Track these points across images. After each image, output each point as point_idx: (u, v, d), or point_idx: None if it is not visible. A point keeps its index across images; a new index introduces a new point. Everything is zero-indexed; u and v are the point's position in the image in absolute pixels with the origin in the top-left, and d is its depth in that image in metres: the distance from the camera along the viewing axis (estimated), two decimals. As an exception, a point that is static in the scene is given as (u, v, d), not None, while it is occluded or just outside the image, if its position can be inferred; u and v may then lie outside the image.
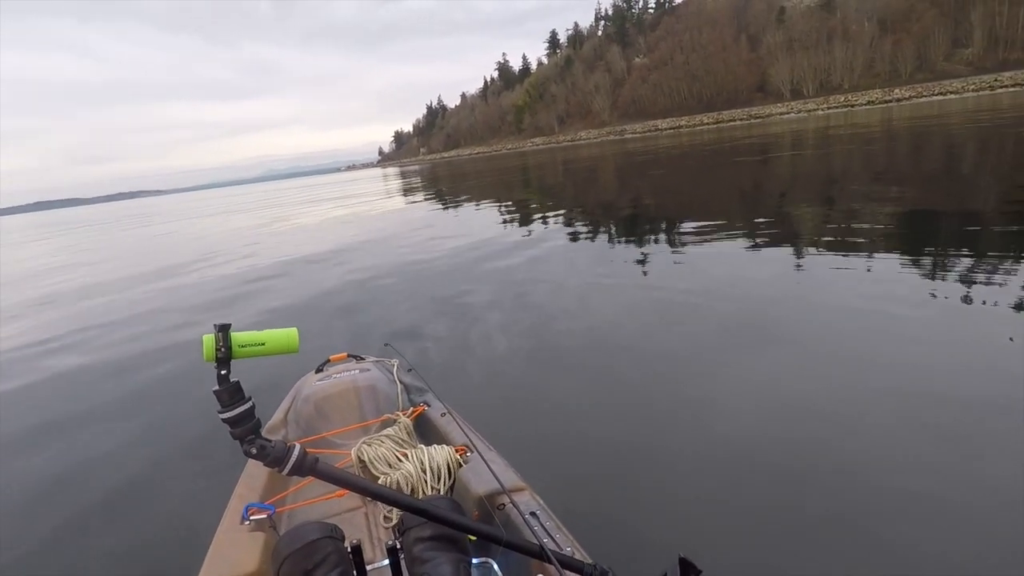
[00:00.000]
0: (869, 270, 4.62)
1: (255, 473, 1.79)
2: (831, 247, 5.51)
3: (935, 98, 47.69)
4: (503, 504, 1.45)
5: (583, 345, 3.84)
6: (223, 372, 0.73)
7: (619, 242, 7.16)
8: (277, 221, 18.32)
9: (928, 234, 5.72)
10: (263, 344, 0.75)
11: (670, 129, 68.46)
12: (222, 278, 8.35)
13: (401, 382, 2.36)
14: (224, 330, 0.72)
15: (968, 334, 3.22)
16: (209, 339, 0.72)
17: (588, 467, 2.44)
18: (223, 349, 0.72)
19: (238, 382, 0.74)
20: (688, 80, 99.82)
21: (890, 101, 52.63)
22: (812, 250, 5.44)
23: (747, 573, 1.76)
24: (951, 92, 49.89)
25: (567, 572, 0.92)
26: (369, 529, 1.68)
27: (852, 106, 55.16)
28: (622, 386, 3.17)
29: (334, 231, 12.94)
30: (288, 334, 0.78)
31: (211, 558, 1.39)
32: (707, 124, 64.88)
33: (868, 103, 54.73)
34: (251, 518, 1.54)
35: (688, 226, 7.43)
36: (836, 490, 2.08)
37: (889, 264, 4.72)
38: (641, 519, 2.05)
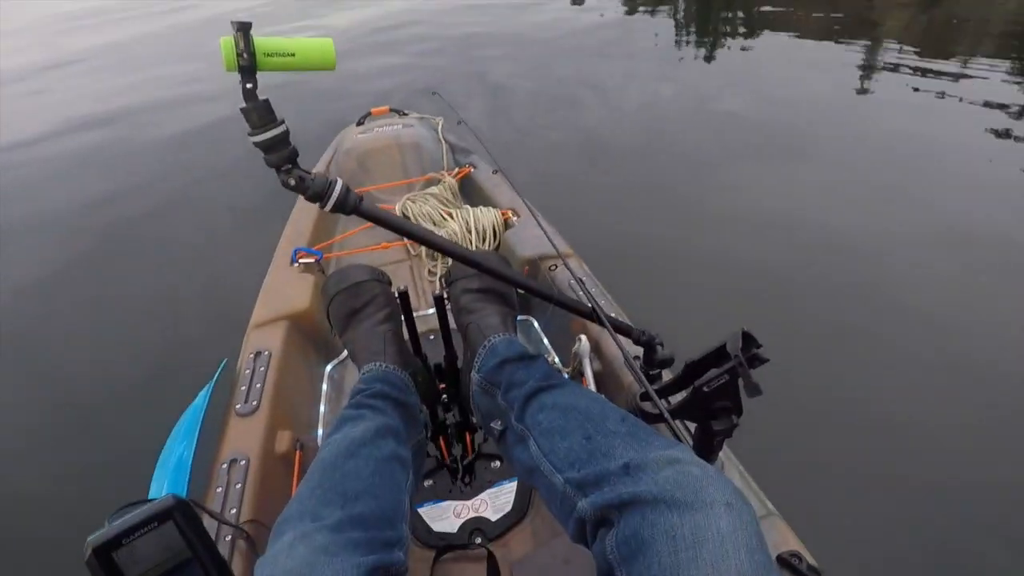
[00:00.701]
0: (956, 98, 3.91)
1: (301, 219, 1.80)
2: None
3: None
4: (552, 267, 1.43)
5: (628, 135, 3.58)
6: (248, 86, 0.62)
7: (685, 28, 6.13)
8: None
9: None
10: (293, 55, 0.62)
11: None
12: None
13: (446, 141, 2.24)
14: (244, 29, 0.58)
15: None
16: (228, 42, 0.59)
17: (629, 249, 2.41)
18: (245, 56, 0.60)
19: (267, 100, 0.64)
20: None
21: None
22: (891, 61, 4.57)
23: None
24: None
25: (617, 335, 0.90)
26: (414, 281, 1.72)
27: None
28: (663, 182, 3.02)
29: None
30: (322, 44, 0.64)
31: (265, 294, 1.45)
32: None
33: None
34: (300, 261, 1.58)
35: (767, 8, 6.20)
36: (855, 306, 2.05)
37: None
38: (678, 304, 2.08)
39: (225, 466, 0.99)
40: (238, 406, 1.11)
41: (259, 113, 0.63)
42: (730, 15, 6.27)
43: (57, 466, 1.69)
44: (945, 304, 1.99)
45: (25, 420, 1.85)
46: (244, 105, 0.63)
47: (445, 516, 1.09)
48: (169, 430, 1.16)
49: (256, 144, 0.65)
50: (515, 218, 1.72)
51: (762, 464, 1.00)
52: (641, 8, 6.85)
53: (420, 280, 1.72)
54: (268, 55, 0.62)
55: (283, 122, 0.66)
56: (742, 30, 5.62)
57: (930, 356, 1.80)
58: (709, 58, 5.08)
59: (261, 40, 0.61)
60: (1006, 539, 1.34)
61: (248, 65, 0.60)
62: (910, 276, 2.14)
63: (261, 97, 0.63)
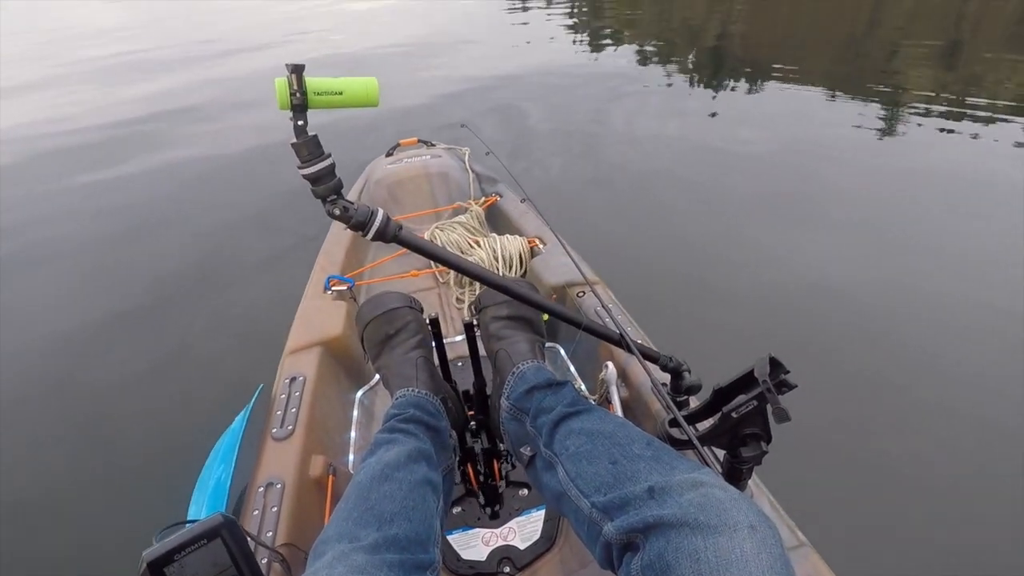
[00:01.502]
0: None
1: (334, 250, 1.85)
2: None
3: None
4: (580, 294, 1.45)
5: (639, 177, 3.61)
6: (300, 123, 0.66)
7: (696, 77, 6.19)
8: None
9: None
10: (340, 93, 0.67)
11: None
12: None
13: (472, 171, 2.30)
14: (298, 72, 0.63)
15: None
16: (282, 83, 0.64)
17: (654, 278, 2.43)
18: (298, 95, 0.64)
19: (316, 136, 0.68)
20: None
21: None
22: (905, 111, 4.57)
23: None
24: None
25: (645, 361, 0.91)
26: (443, 308, 1.75)
27: None
28: (691, 207, 3.07)
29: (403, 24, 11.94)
30: (367, 84, 0.68)
31: (299, 321, 1.49)
32: None
33: None
34: (333, 288, 1.63)
35: (776, 67, 6.22)
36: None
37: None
38: (704, 331, 2.07)
39: (262, 489, 1.02)
40: (274, 430, 1.14)
41: (309, 148, 0.68)
42: (742, 69, 6.35)
43: (98, 488, 1.73)
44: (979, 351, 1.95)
45: (69, 445, 1.91)
46: (295, 140, 0.67)
47: (473, 544, 1.10)
48: (207, 453, 1.19)
49: (305, 176, 0.69)
50: (542, 246, 1.75)
51: (793, 495, 0.99)
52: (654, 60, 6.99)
53: (448, 308, 1.75)
54: (318, 94, 0.66)
55: (330, 156, 0.70)
56: (752, 83, 5.71)
57: (967, 409, 1.75)
58: (725, 105, 5.14)
59: (312, 80, 0.66)
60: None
61: (300, 103, 0.65)
62: (939, 320, 2.11)
63: (310, 133, 0.68)
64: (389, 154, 2.46)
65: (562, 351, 1.48)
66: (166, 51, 9.98)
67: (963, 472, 1.53)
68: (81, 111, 6.14)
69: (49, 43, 12.93)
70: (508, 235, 1.82)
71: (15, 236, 3.35)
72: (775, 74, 5.90)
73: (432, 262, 1.52)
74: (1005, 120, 4.14)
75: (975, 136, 3.86)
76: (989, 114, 4.27)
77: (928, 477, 1.52)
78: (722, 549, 0.49)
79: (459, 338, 1.58)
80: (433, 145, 2.50)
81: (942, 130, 4.00)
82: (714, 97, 5.31)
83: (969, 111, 4.36)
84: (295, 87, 0.63)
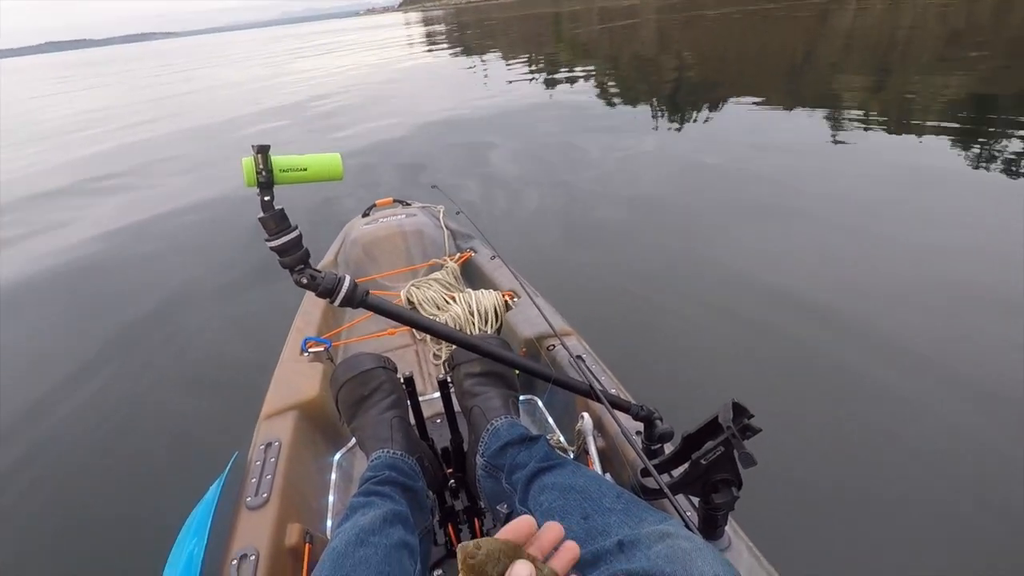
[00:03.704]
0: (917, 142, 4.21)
1: (310, 310, 1.86)
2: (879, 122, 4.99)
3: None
4: (551, 346, 1.47)
5: (613, 207, 3.78)
6: (266, 198, 0.69)
7: (653, 104, 6.63)
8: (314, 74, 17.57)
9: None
10: (305, 169, 0.70)
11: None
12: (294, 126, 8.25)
13: (447, 228, 2.34)
14: (263, 151, 0.66)
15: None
16: (249, 162, 0.67)
17: (624, 321, 2.47)
18: (264, 173, 0.67)
19: (283, 209, 0.71)
20: None
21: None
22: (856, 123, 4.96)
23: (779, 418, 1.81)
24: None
25: (615, 411, 0.93)
26: (420, 365, 1.75)
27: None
28: (651, 247, 3.16)
29: (377, 89, 12.33)
30: (331, 159, 0.72)
31: (276, 384, 1.48)
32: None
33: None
34: (309, 350, 1.63)
35: (732, 96, 6.69)
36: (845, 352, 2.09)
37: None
38: (678, 371, 2.10)
39: (235, 562, 0.99)
40: (248, 499, 1.12)
41: (275, 221, 0.70)
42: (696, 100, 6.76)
43: (67, 562, 1.66)
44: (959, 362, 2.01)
45: (35, 520, 1.84)
46: (262, 215, 0.70)
47: None
48: (181, 523, 1.16)
49: (272, 248, 0.71)
50: (515, 299, 1.77)
51: (772, 538, 0.99)
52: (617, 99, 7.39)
53: (426, 364, 1.76)
54: (283, 171, 0.70)
55: (296, 228, 0.73)
56: (708, 109, 6.11)
57: (949, 427, 1.78)
58: (681, 131, 5.47)
59: (277, 158, 0.69)
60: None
61: (266, 181, 0.68)
62: (911, 334, 2.17)
63: (276, 207, 0.71)
64: (365, 214, 2.50)
65: (539, 402, 1.49)
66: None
67: (953, 506, 1.54)
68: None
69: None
70: (483, 290, 1.84)
71: None
72: (729, 100, 6.25)
73: None
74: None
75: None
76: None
77: (914, 515, 1.53)
78: None
79: (437, 395, 1.58)
80: (408, 204, 2.55)
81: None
82: (677, 125, 5.61)
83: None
84: (260, 166, 0.67)
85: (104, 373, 2.54)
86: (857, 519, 1.50)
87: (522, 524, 0.47)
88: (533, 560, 0.46)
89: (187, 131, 8.59)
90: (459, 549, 0.44)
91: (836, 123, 5.05)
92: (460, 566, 0.44)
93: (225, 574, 0.98)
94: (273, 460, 1.21)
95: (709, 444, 0.79)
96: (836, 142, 4.53)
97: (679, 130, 5.56)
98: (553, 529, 0.49)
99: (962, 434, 1.71)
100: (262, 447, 1.25)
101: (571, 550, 0.49)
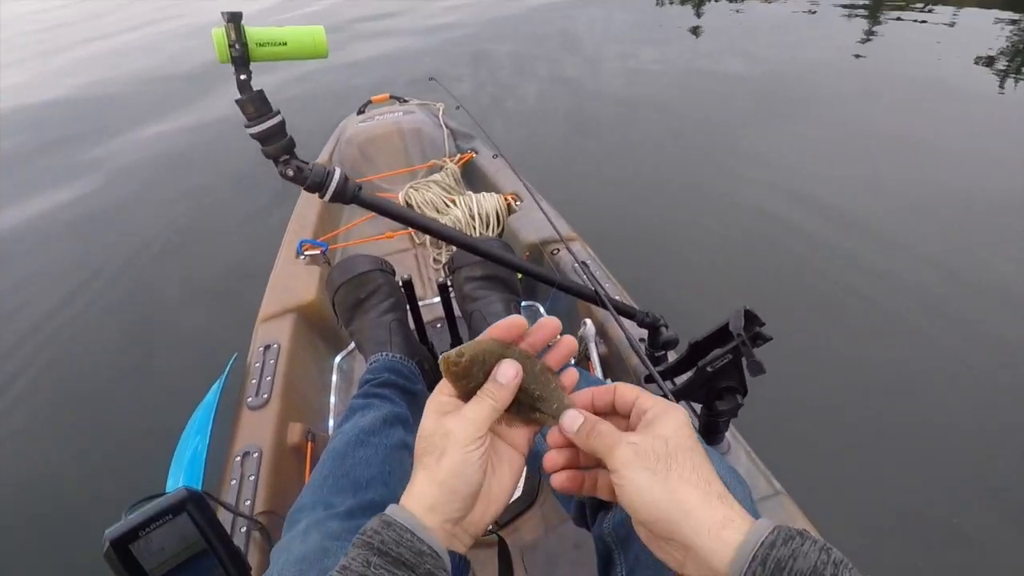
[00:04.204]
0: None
1: (306, 212, 1.80)
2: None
3: None
4: (555, 251, 1.42)
5: (623, 108, 3.57)
6: (242, 77, 0.62)
7: None
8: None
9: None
10: (284, 43, 0.62)
11: None
12: None
13: (447, 127, 2.23)
14: (235, 20, 0.58)
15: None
16: (220, 33, 0.59)
17: (632, 228, 2.41)
18: (238, 47, 0.59)
19: (262, 91, 0.63)
20: None
21: None
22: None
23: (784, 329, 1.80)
24: None
25: (620, 317, 0.90)
26: (420, 270, 1.72)
27: None
28: (665, 154, 3.02)
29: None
30: (313, 32, 0.63)
31: (271, 289, 1.45)
32: None
33: None
34: (305, 253, 1.59)
35: None
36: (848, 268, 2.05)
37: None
38: (684, 282, 2.07)
39: (239, 458, 1.01)
40: (249, 399, 1.12)
41: (254, 104, 0.63)
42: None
43: (75, 464, 1.71)
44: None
45: (42, 420, 1.88)
46: (239, 96, 0.63)
47: None
48: (183, 425, 1.17)
49: (253, 135, 0.65)
50: (518, 203, 1.71)
51: (769, 444, 1.00)
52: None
53: (426, 268, 1.72)
54: (260, 45, 0.61)
55: (279, 112, 0.66)
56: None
57: (946, 334, 1.78)
58: (699, 23, 5.13)
59: (252, 30, 0.61)
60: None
61: (240, 56, 0.60)
62: (920, 241, 2.12)
63: (255, 88, 0.63)
64: (360, 111, 2.37)
65: (541, 308, 1.47)
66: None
67: (942, 416, 1.56)
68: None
69: None
70: (485, 193, 1.77)
71: None
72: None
73: None
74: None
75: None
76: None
77: (902, 426, 1.55)
78: None
79: (437, 300, 1.55)
80: (406, 101, 2.41)
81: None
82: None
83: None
84: (233, 37, 0.59)
85: (101, 282, 2.51)
86: (858, 439, 1.52)
87: (512, 321, 0.44)
88: (525, 356, 0.44)
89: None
90: (441, 360, 0.41)
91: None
92: (444, 375, 0.42)
93: (229, 470, 1.00)
94: (272, 362, 1.20)
95: (717, 351, 0.77)
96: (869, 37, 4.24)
97: (699, 20, 5.19)
98: (547, 325, 0.46)
99: (975, 366, 1.70)
100: (261, 349, 1.24)
101: (567, 344, 0.47)
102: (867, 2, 5.11)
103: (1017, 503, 1.34)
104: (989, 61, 3.64)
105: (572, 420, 0.41)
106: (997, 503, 1.35)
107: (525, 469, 1.13)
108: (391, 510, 0.39)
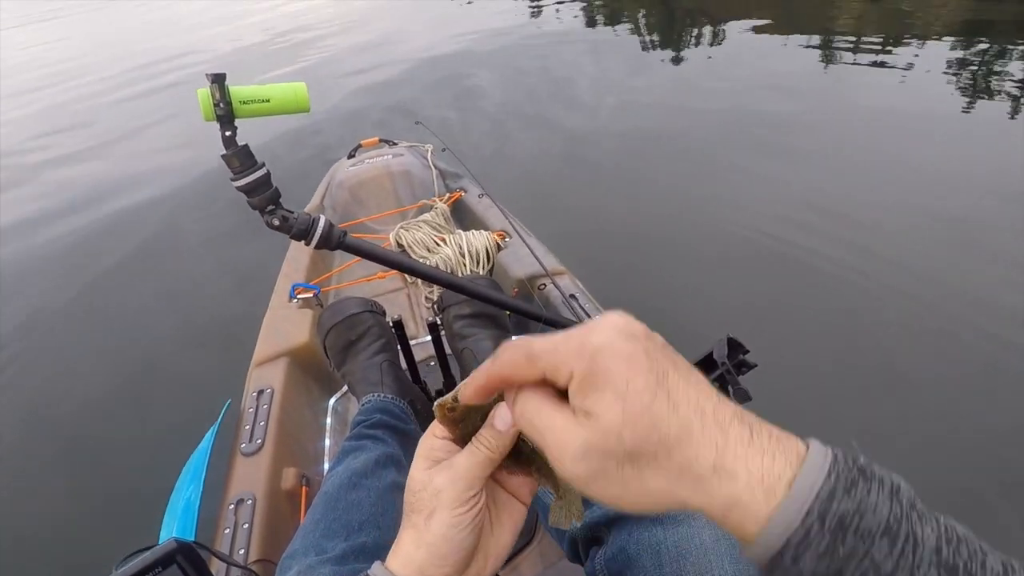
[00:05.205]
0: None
1: (298, 256, 1.82)
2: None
3: None
4: (543, 286, 1.44)
5: (611, 139, 3.66)
6: (227, 134, 0.64)
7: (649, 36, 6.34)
8: None
9: None
10: (267, 100, 0.65)
11: None
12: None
13: (436, 167, 2.27)
14: (219, 80, 0.61)
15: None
16: (204, 94, 0.62)
17: (621, 258, 2.44)
18: (222, 105, 0.62)
19: (247, 145, 0.66)
20: None
21: None
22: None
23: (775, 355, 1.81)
24: None
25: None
26: (412, 308, 1.73)
27: None
28: (650, 182, 3.08)
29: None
30: (295, 89, 0.66)
31: (265, 332, 1.46)
32: None
33: None
34: (298, 296, 1.60)
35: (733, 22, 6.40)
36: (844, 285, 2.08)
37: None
38: (675, 308, 2.09)
39: (232, 506, 1.00)
40: (243, 445, 1.12)
41: (240, 158, 0.66)
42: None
43: (69, 516, 1.69)
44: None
45: (35, 473, 1.86)
46: (224, 152, 0.65)
47: None
48: (179, 473, 1.17)
49: (239, 188, 0.67)
50: (507, 239, 1.73)
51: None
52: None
53: (418, 307, 1.73)
54: (244, 103, 0.64)
55: (263, 165, 0.68)
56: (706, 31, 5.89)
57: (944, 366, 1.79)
58: (677, 59, 5.30)
59: (236, 89, 0.64)
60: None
61: (225, 114, 0.63)
62: (910, 256, 2.16)
63: (240, 143, 0.66)
64: (351, 155, 2.42)
65: None
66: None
67: (939, 428, 1.56)
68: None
69: None
70: (474, 231, 1.80)
71: None
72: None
73: None
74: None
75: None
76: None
77: (899, 436, 1.55)
78: (682, 539, 0.50)
79: (427, 338, 1.56)
80: (395, 144, 2.46)
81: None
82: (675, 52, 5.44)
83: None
84: (218, 97, 0.61)
85: (98, 325, 2.52)
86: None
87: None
88: None
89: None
90: (436, 407, 0.36)
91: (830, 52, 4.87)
92: (439, 422, 0.37)
93: (223, 519, 0.99)
94: (266, 407, 1.20)
95: (703, 379, 0.78)
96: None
97: (677, 57, 5.35)
98: None
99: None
100: (254, 394, 1.24)
101: None
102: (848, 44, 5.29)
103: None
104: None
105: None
106: (1000, 509, 1.34)
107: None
108: (376, 571, 0.36)
